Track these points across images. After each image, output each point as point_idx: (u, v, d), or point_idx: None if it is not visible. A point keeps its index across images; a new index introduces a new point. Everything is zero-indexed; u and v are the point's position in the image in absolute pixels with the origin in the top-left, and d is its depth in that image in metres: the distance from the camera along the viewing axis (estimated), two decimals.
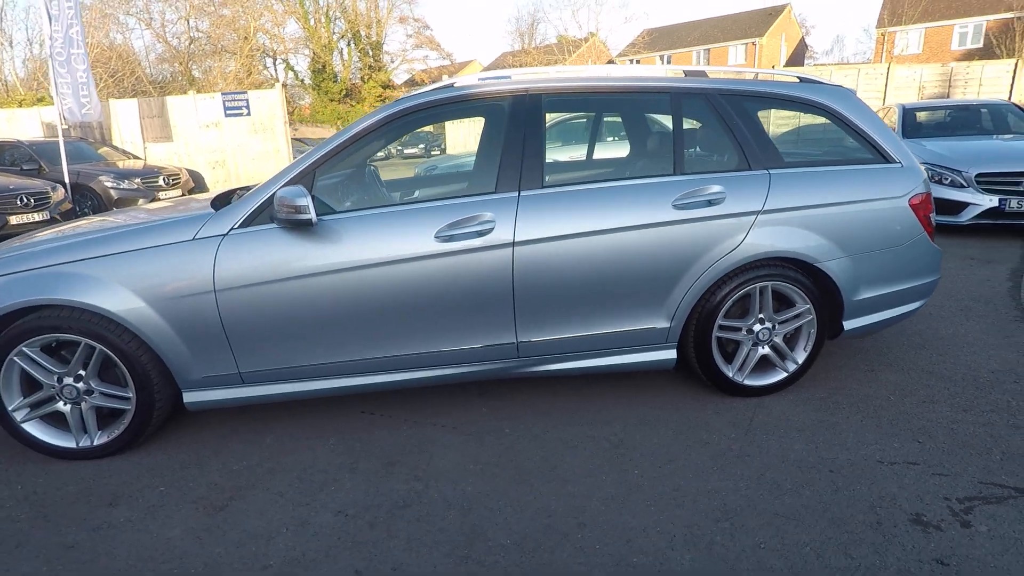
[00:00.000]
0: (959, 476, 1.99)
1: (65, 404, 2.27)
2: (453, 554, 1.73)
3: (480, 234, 2.25)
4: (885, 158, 2.57)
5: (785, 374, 2.59)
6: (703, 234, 2.36)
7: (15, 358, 2.18)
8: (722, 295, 2.43)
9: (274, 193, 2.19)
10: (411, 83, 43.95)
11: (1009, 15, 25.65)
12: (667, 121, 2.58)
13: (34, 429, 2.28)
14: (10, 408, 2.24)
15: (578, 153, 5.38)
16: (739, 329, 2.52)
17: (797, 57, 39.36)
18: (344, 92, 38.65)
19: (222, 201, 2.58)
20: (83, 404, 2.27)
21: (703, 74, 2.56)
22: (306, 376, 2.33)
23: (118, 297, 2.14)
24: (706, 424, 2.39)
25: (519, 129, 2.36)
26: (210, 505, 2.01)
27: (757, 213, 2.39)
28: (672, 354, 2.51)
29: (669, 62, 37.05)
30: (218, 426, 2.54)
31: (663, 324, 2.44)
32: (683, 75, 2.55)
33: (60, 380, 2.23)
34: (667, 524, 1.82)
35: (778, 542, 1.72)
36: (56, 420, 2.31)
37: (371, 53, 38.44)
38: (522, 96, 2.39)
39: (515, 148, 2.34)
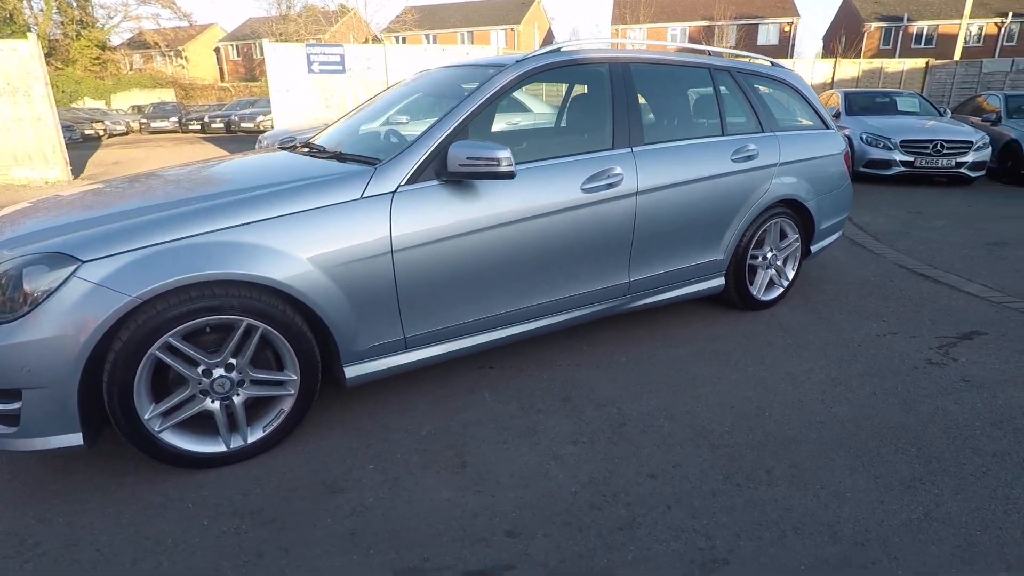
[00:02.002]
0: (924, 335, 3.01)
1: (213, 401, 1.90)
2: (691, 446, 2.07)
3: (612, 185, 2.52)
4: (826, 125, 3.53)
5: (782, 289, 3.42)
6: (748, 182, 3.00)
7: (157, 352, 1.76)
8: (752, 231, 3.12)
9: (444, 149, 2.14)
10: (138, 44, 36.85)
11: (703, 23, 32.72)
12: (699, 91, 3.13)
13: (172, 438, 1.86)
14: (146, 416, 1.80)
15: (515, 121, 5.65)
16: (757, 257, 3.25)
17: (547, 43, 43.75)
18: (44, 52, 30.85)
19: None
20: (235, 398, 1.94)
21: (720, 55, 3.17)
22: (461, 334, 2.33)
23: (288, 266, 1.89)
24: (756, 332, 3.07)
25: (623, 93, 2.66)
26: (449, 465, 1.97)
27: (776, 166, 3.11)
28: (722, 281, 3.13)
29: (435, 41, 37.80)
30: (336, 410, 2.35)
31: (720, 256, 3.03)
32: (708, 55, 3.12)
33: (208, 373, 1.87)
34: (805, 395, 2.42)
35: (864, 387, 2.46)
36: (190, 424, 1.92)
37: (77, 4, 31.12)
38: (618, 65, 2.69)
39: (623, 110, 2.64)
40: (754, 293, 3.27)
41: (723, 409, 2.32)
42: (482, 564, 1.55)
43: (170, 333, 1.76)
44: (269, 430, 2.01)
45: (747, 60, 3.32)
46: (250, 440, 1.98)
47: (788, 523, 1.70)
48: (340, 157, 2.37)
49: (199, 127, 22.51)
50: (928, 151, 7.77)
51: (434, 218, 2.14)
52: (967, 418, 2.24)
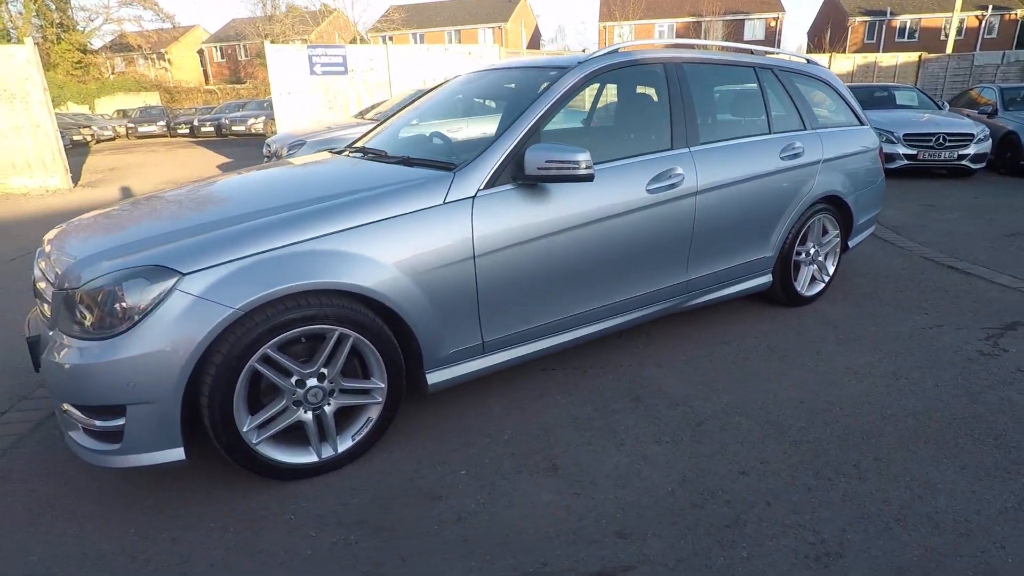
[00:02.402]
0: (969, 327, 3.07)
1: (306, 411, 1.89)
2: (773, 443, 2.10)
3: (674, 186, 2.54)
4: (860, 121, 3.58)
5: (823, 284, 3.46)
6: (795, 180, 3.04)
7: (256, 363, 1.75)
8: (798, 227, 3.16)
9: (519, 152, 2.15)
10: (120, 47, 36.24)
11: (691, 19, 32.91)
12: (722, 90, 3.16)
13: (267, 449, 1.85)
14: (244, 429, 1.79)
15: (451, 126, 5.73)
16: (801, 253, 3.29)
17: (534, 42, 43.75)
18: None
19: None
20: (326, 408, 1.93)
21: (763, 54, 3.20)
22: (535, 337, 2.34)
23: (378, 274, 1.88)
24: (805, 328, 3.11)
25: (679, 93, 2.67)
26: (540, 468, 1.98)
27: (820, 163, 3.15)
28: (769, 278, 3.16)
29: (423, 41, 37.66)
30: (414, 416, 2.35)
31: (769, 253, 3.07)
32: (751, 53, 3.15)
33: (302, 383, 1.86)
34: (871, 389, 2.46)
35: (926, 380, 2.51)
36: (281, 435, 1.91)
37: (56, 7, 30.54)
38: (672, 65, 2.71)
39: (680, 109, 2.66)
40: (798, 289, 3.31)
41: (794, 404, 2.35)
42: (600, 566, 1.57)
43: (268, 344, 1.74)
44: (358, 439, 2.00)
45: (785, 58, 3.35)
46: (340, 450, 1.97)
47: (889, 515, 1.73)
48: (407, 162, 2.37)
49: (188, 131, 22.20)
50: (931, 144, 7.89)
51: (512, 222, 2.14)
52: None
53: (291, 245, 1.78)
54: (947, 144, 7.86)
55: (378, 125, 3.32)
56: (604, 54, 2.56)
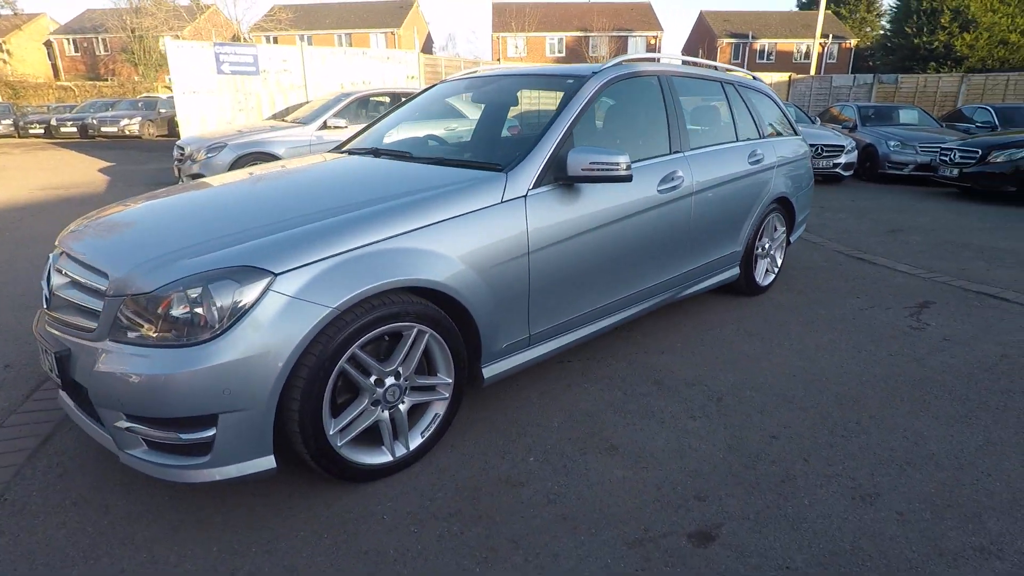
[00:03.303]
0: (893, 307, 3.64)
1: (383, 411, 1.88)
2: (785, 410, 2.40)
3: (676, 187, 2.80)
4: (795, 131, 4.10)
5: (774, 275, 3.92)
6: (759, 182, 3.44)
7: (345, 364, 1.72)
8: (758, 224, 3.56)
9: (558, 154, 2.27)
10: None
11: (580, 34, 34.63)
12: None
13: (348, 452, 1.82)
14: (331, 432, 1.74)
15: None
16: (759, 248, 3.71)
17: (426, 48, 43.61)
18: None
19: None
20: (400, 406, 1.92)
21: (727, 70, 3.58)
22: (571, 328, 2.47)
23: (451, 271, 1.93)
24: (768, 313, 3.52)
25: (672, 103, 2.94)
26: (601, 448, 2.11)
27: (774, 167, 3.59)
28: (737, 270, 3.54)
29: (311, 42, 36.20)
30: (462, 410, 2.39)
31: (739, 248, 3.44)
32: (716, 69, 3.52)
33: (380, 382, 1.85)
34: (843, 362, 2.87)
35: (879, 351, 2.97)
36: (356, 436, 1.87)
37: None
38: (664, 77, 2.97)
39: (675, 118, 2.92)
40: (758, 280, 3.73)
41: (789, 378, 2.68)
42: (696, 525, 1.73)
43: (357, 344, 1.73)
44: (427, 435, 2.01)
45: (739, 74, 3.77)
46: (411, 448, 1.97)
47: (900, 460, 2.07)
48: (443, 162, 2.40)
49: (43, 131, 19.58)
50: (812, 154, 9.03)
51: (558, 220, 2.26)
52: (967, 367, 2.80)
53: (374, 243, 1.78)
54: (824, 154, 9.05)
55: (369, 127, 3.28)
56: (613, 65, 2.75)
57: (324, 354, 1.65)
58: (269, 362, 1.57)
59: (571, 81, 2.63)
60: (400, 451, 1.94)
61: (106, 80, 30.56)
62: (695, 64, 3.41)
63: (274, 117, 9.67)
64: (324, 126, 7.26)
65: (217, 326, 1.54)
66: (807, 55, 34.82)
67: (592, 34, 35.18)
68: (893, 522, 1.75)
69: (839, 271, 4.42)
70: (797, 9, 39.98)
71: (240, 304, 1.55)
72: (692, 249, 3.02)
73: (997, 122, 10.66)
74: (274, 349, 1.57)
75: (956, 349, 3.00)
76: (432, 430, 2.03)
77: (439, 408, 2.05)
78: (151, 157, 12.63)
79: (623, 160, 2.24)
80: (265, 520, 1.74)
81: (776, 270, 3.94)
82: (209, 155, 6.72)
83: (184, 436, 1.56)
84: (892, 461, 2.06)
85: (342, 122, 7.32)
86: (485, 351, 2.13)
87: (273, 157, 6.89)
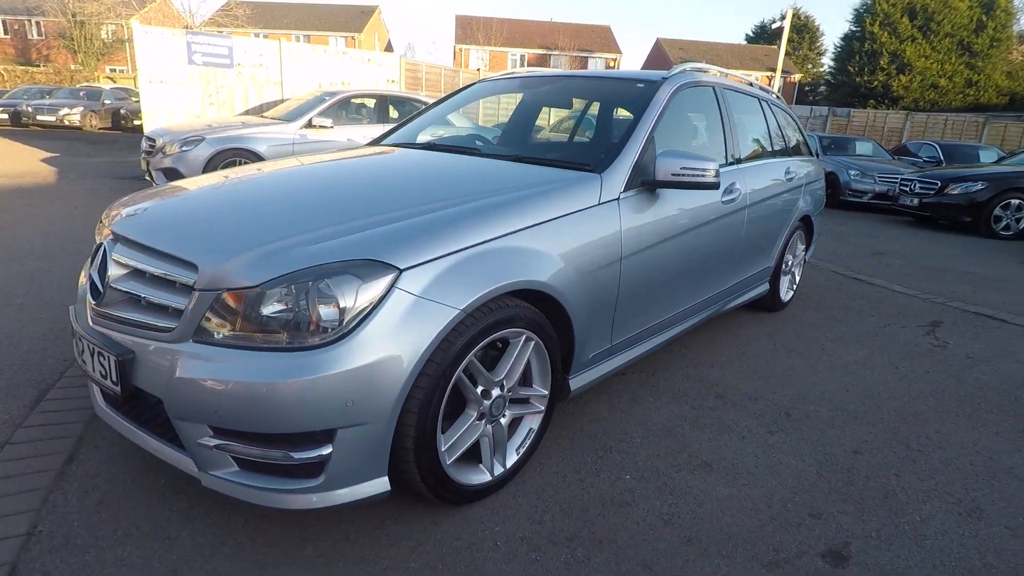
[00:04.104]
0: (908, 325, 3.75)
1: (488, 424, 1.71)
2: (855, 425, 2.39)
3: (734, 199, 2.77)
4: (811, 152, 4.21)
5: (792, 292, 3.98)
6: (792, 198, 3.48)
7: (462, 373, 1.56)
8: (787, 241, 3.61)
9: (644, 158, 2.19)
10: None
11: (542, 51, 35.18)
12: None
13: (455, 472, 1.64)
14: (443, 449, 1.57)
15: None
16: (784, 264, 3.76)
17: (389, 54, 43.18)
18: None
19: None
20: (502, 419, 1.77)
21: (764, 89, 3.62)
22: (642, 339, 2.38)
23: (561, 275, 1.81)
24: (797, 330, 3.55)
25: (728, 114, 2.93)
26: (694, 465, 2.02)
27: (803, 186, 3.65)
28: (767, 286, 3.56)
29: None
30: None
31: (771, 264, 3.46)
32: (751, 86, 3.55)
33: (487, 394, 1.69)
34: (886, 377, 2.91)
35: (915, 368, 3.04)
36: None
37: None
38: (718, 88, 2.96)
39: (730, 129, 2.91)
40: (781, 296, 3.77)
41: (843, 392, 2.68)
42: (824, 544, 1.66)
43: (474, 351, 1.57)
44: (522, 452, 1.86)
45: (769, 95, 3.83)
46: (507, 465, 1.81)
47: (984, 474, 2.08)
48: (518, 159, 2.27)
49: None
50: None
51: (645, 225, 2.17)
52: (1000, 383, 2.89)
53: (491, 240, 1.63)
54: None
55: (407, 122, 3.11)
56: (679, 73, 2.71)
57: (444, 362, 1.49)
58: (396, 369, 1.39)
59: (642, 85, 2.57)
60: (498, 469, 1.78)
61: (39, 66, 28.47)
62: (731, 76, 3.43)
63: (247, 113, 9.22)
64: (309, 124, 6.95)
65: (339, 327, 1.35)
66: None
67: (554, 52, 35.80)
68: (1009, 537, 1.74)
69: (843, 291, 4.54)
70: (745, 43, 42.12)
71: (364, 303, 1.37)
72: (740, 262, 3.00)
73: (942, 157, 11.46)
74: (401, 354, 1.39)
75: (983, 367, 3.10)
76: (527, 446, 1.88)
77: (533, 422, 1.90)
78: (99, 150, 11.78)
79: (712, 167, 2.18)
80: (365, 551, 1.54)
81: (795, 287, 4.00)
82: (184, 149, 6.28)
83: (297, 455, 1.35)
84: (977, 475, 2.06)
85: (328, 121, 7.03)
86: (576, 360, 2.00)
87: (254, 155, 6.52)
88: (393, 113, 8.02)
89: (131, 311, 1.53)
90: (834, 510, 1.83)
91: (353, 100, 7.81)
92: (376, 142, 3.01)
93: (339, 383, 1.32)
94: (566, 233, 1.86)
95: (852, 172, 10.09)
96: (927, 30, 22.60)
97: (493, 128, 6.04)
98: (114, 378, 1.50)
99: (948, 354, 3.27)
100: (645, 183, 2.20)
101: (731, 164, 2.87)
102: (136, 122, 17.37)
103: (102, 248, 1.67)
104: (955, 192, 7.93)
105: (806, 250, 4.10)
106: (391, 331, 1.38)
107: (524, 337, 1.73)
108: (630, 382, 2.64)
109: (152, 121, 8.12)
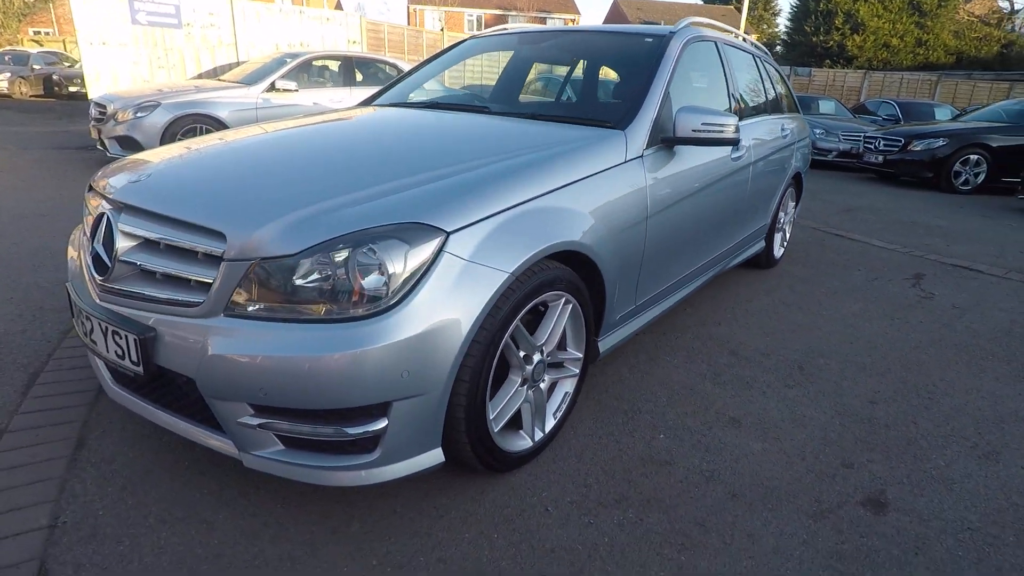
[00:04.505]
0: (894, 278, 3.86)
1: (528, 390, 1.67)
2: (866, 376, 2.45)
3: (742, 156, 2.75)
4: (799, 109, 4.21)
5: (783, 249, 4.03)
6: (786, 155, 3.49)
7: (509, 338, 1.49)
8: (781, 198, 3.63)
9: (661, 114, 2.12)
10: None
11: (499, 11, 34.26)
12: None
13: (501, 440, 1.59)
14: (491, 416, 1.51)
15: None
16: (777, 221, 3.79)
17: (340, 13, 41.29)
18: None
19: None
20: (541, 384, 1.72)
21: (756, 45, 3.57)
22: (662, 298, 2.36)
23: (595, 235, 1.75)
24: (792, 286, 3.61)
25: (729, 71, 2.87)
26: (724, 421, 2.03)
27: (795, 144, 3.66)
28: (763, 243, 3.59)
29: None
30: None
31: (766, 221, 3.49)
32: (748, 43, 3.50)
33: (529, 359, 1.63)
34: (884, 329, 2.99)
35: (910, 318, 3.14)
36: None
37: None
38: (722, 44, 2.89)
39: (733, 86, 2.86)
40: (775, 254, 3.82)
41: (849, 345, 2.75)
42: (862, 493, 1.70)
43: (520, 315, 1.51)
44: (559, 416, 1.83)
45: (761, 50, 3.79)
46: (547, 430, 1.78)
47: (992, 418, 2.16)
48: (535, 117, 2.17)
49: None
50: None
51: (667, 183, 2.12)
52: (989, 331, 3.01)
53: (531, 200, 1.55)
54: None
55: (400, 80, 2.94)
56: (685, 27, 2.62)
57: (493, 328, 1.42)
58: (451, 337, 1.32)
59: (651, 40, 2.48)
60: (538, 435, 1.74)
61: None
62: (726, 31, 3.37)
63: (200, 77, 8.66)
64: (272, 88, 6.59)
65: (389, 296, 1.27)
66: None
67: (511, 13, 34.87)
68: None
69: (826, 246, 4.64)
70: (702, 3, 41.92)
71: (412, 269, 1.29)
72: (744, 219, 3.00)
73: (900, 115, 11.78)
74: (455, 321, 1.32)
75: (971, 316, 3.23)
76: (563, 410, 1.84)
77: (568, 386, 1.87)
78: (33, 119, 10.90)
79: (733, 122, 2.13)
80: (415, 525, 1.49)
81: (785, 244, 4.06)
82: (138, 115, 5.87)
83: (352, 430, 1.28)
84: (987, 420, 2.15)
85: (292, 85, 6.68)
86: (604, 322, 1.97)
87: (214, 120, 6.16)
88: (358, 76, 7.68)
89: (147, 286, 1.40)
90: (863, 459, 1.87)
91: (316, 62, 7.42)
92: (369, 102, 2.84)
93: (394, 354, 1.25)
94: (598, 192, 1.79)
95: (817, 131, 10.25)
96: None
97: (461, 90, 5.85)
98: (134, 358, 1.38)
99: (936, 305, 3.39)
100: (665, 140, 2.14)
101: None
102: (72, 88, 16.17)
103: (104, 219, 1.51)
104: (917, 149, 8.18)
105: (795, 207, 4.14)
106: (443, 298, 1.31)
107: (563, 300, 1.68)
108: (644, 342, 2.64)
109: (96, 87, 7.55)
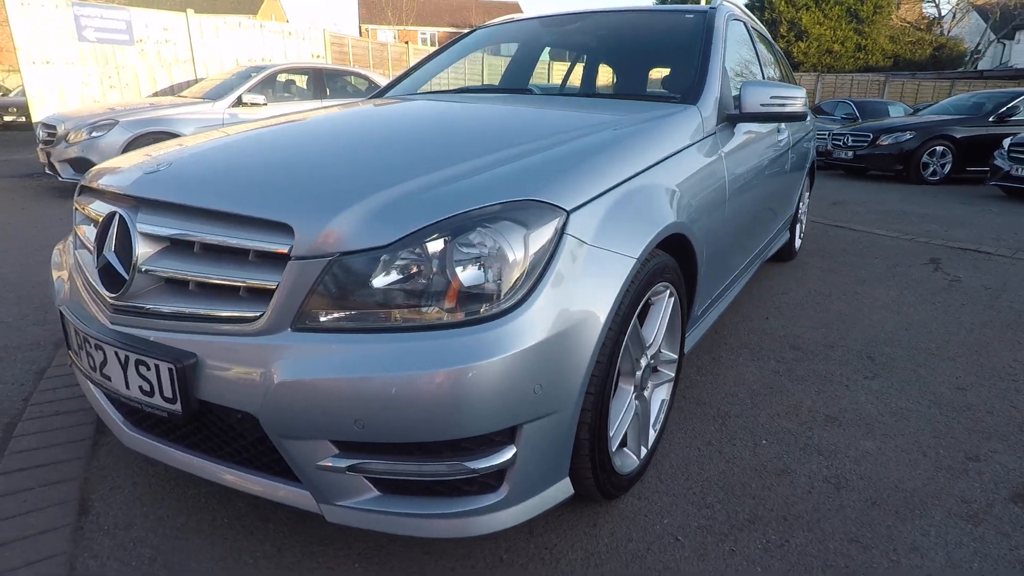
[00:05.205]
0: (915, 264, 3.80)
1: (636, 399, 1.42)
2: (928, 358, 2.31)
3: (783, 139, 2.61)
4: None
5: (800, 240, 3.93)
6: (808, 142, 3.39)
7: (627, 339, 1.25)
8: (802, 187, 3.52)
9: (722, 90, 1.95)
10: None
11: (452, 29, 34.34)
12: None
13: (615, 459, 1.34)
14: (611, 433, 1.26)
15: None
16: (798, 212, 3.68)
17: None
18: None
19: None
20: (645, 392, 1.48)
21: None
22: (728, 289, 2.17)
23: (692, 218, 1.54)
24: (821, 276, 3.49)
25: (759, 51, 2.74)
26: (821, 421, 1.83)
27: (810, 131, 3.57)
28: (788, 234, 3.47)
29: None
30: None
31: (792, 211, 3.36)
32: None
33: (637, 363, 1.40)
34: (928, 313, 2.88)
35: (948, 301, 3.05)
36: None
37: None
38: (750, 25, 2.76)
39: (764, 67, 2.73)
40: (796, 245, 3.71)
41: (906, 332, 2.61)
42: (1006, 487, 1.52)
43: (637, 311, 1.27)
44: (658, 427, 1.59)
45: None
46: (650, 443, 1.54)
47: None
48: (592, 95, 1.96)
49: None
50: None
51: (738, 162, 1.95)
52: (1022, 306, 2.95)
53: (633, 178, 1.33)
54: None
55: (409, 74, 2.69)
56: (719, 4, 2.46)
57: (616, 326, 1.18)
58: (584, 339, 1.07)
59: (692, 16, 2.31)
60: (642, 452, 1.50)
61: None
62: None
63: (157, 95, 8.15)
64: (238, 103, 6.21)
65: (510, 291, 1.01)
66: None
67: (464, 30, 35.05)
68: None
69: (832, 237, 4.59)
70: None
71: (532, 256, 1.04)
72: (782, 206, 2.87)
73: (858, 114, 12.15)
74: (587, 319, 1.08)
75: (1007, 296, 3.16)
76: (661, 421, 1.61)
77: (664, 392, 1.63)
78: None
79: (801, 95, 1.98)
80: (530, 574, 1.22)
81: (802, 235, 3.96)
82: (94, 135, 5.41)
83: (475, 464, 1.00)
84: None
85: (260, 98, 6.31)
86: (691, 316, 1.75)
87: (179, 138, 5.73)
88: (328, 89, 7.36)
89: (179, 300, 1.11)
90: (985, 450, 1.70)
91: (283, 75, 7.07)
92: (380, 95, 2.58)
93: (526, 364, 0.99)
94: (687, 170, 1.59)
95: None
96: None
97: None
98: (168, 393, 1.08)
99: (967, 287, 3.32)
100: (729, 117, 1.96)
101: None
102: (7, 118, 15.16)
103: (115, 221, 1.21)
104: (886, 143, 8.38)
105: (808, 198, 4.06)
106: (572, 290, 1.06)
107: (668, 292, 1.45)
108: (701, 342, 2.43)
109: (41, 109, 6.98)
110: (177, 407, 1.08)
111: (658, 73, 2.43)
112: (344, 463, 1.02)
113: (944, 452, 1.69)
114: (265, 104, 6.37)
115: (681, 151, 1.58)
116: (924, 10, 29.30)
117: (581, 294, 1.07)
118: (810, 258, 3.89)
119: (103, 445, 1.65)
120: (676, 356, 1.62)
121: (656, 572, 1.23)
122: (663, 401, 1.62)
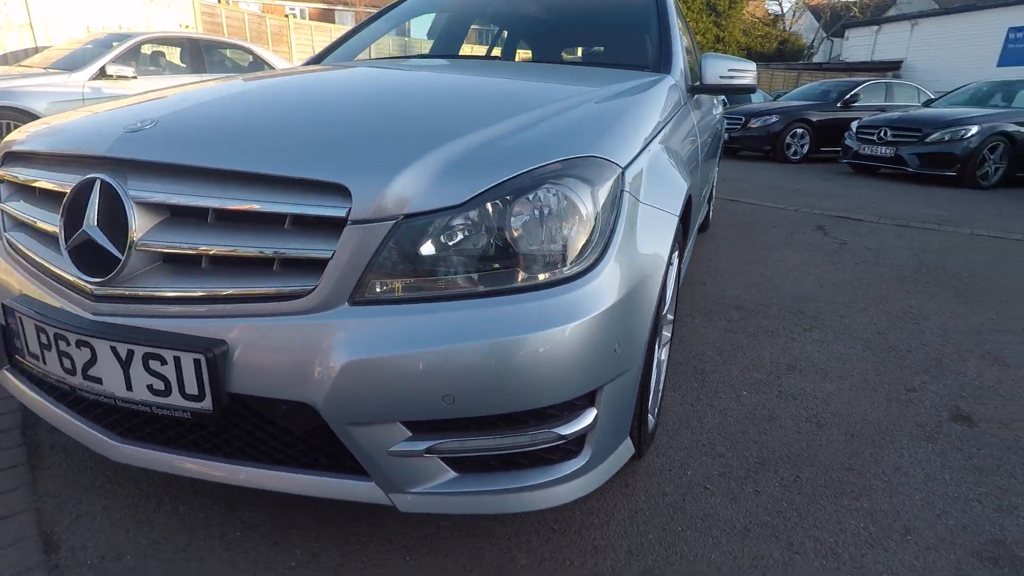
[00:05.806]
0: (805, 230, 4.25)
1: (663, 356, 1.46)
2: (862, 310, 2.63)
3: (715, 114, 2.77)
4: None
5: (711, 212, 4.23)
6: (720, 118, 3.64)
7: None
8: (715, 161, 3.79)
9: (684, 63, 2.03)
10: None
11: (323, 6, 32.49)
12: None
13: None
14: (651, 395, 1.28)
15: None
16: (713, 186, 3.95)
17: None
18: None
19: None
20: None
21: None
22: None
23: (691, 180, 1.59)
24: (743, 247, 3.79)
25: (685, 26, 2.88)
26: (783, 368, 2.00)
27: (720, 108, 3.83)
28: (708, 205, 3.71)
29: None
30: None
31: (714, 182, 3.61)
32: None
33: (666, 317, 1.43)
34: (836, 270, 3.26)
35: (845, 261, 3.47)
36: None
37: None
38: None
39: (690, 43, 2.87)
40: (709, 216, 3.99)
41: (819, 288, 2.93)
42: (945, 410, 1.77)
43: (666, 270, 1.29)
44: (656, 410, 1.63)
45: None
46: (659, 402, 1.59)
47: (973, 332, 2.42)
48: (565, 62, 1.95)
49: None
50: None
51: (701, 131, 2.04)
52: (909, 264, 3.42)
53: (653, 139, 1.34)
54: None
55: (343, 40, 2.51)
56: None
57: (663, 281, 1.20)
58: (649, 294, 1.08)
59: None
60: (654, 409, 1.55)
61: None
62: None
63: None
64: (101, 74, 5.41)
65: (587, 249, 0.99)
66: None
67: (338, 8, 33.24)
68: None
69: (731, 210, 5.00)
70: None
71: (604, 213, 1.02)
72: (713, 176, 3.06)
73: (725, 99, 13.27)
74: (652, 275, 1.08)
75: (886, 255, 3.65)
76: (662, 380, 1.66)
77: (663, 353, 1.69)
78: None
79: (753, 69, 2.11)
80: (585, 538, 1.21)
81: (712, 207, 4.27)
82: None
83: (564, 430, 0.97)
84: (972, 334, 2.40)
85: (128, 71, 5.55)
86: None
87: (27, 115, 4.90)
88: (206, 62, 6.64)
89: (187, 280, 0.95)
90: (917, 382, 1.96)
91: (151, 46, 6.26)
92: (317, 60, 2.38)
93: (610, 321, 0.97)
94: (678, 134, 1.64)
95: None
96: None
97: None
98: (193, 390, 0.93)
99: (854, 248, 3.78)
100: (691, 88, 2.05)
101: None
102: None
103: (95, 191, 1.00)
104: (756, 126, 9.26)
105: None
106: (636, 247, 1.06)
107: (677, 251, 1.50)
108: None
109: None
110: (206, 404, 0.94)
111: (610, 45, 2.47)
112: (421, 446, 0.94)
113: (889, 386, 1.92)
114: (134, 77, 5.62)
115: (675, 117, 1.63)
116: (768, 8, 32.64)
117: (644, 250, 1.07)
118: (719, 229, 4.22)
119: (43, 469, 1.38)
120: (673, 317, 1.68)
121: (700, 519, 1.28)
122: (660, 361, 1.68)
